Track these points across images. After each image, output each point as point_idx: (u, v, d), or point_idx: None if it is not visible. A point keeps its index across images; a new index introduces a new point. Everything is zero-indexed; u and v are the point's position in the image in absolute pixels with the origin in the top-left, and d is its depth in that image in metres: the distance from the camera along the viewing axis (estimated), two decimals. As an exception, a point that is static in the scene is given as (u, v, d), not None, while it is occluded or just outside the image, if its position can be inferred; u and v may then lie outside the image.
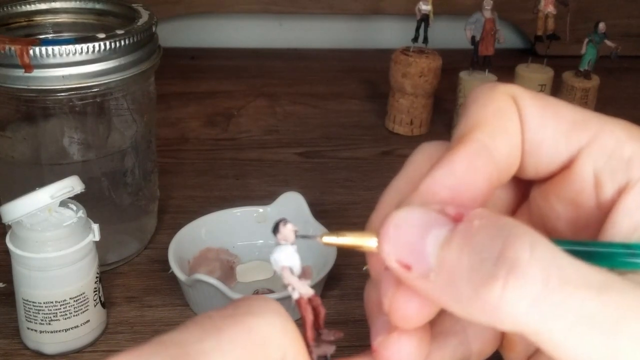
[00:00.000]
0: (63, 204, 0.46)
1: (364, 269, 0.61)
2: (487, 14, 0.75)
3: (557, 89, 0.79)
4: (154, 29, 0.54)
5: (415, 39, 0.77)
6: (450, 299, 0.19)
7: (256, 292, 0.53)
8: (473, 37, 0.76)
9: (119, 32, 0.50)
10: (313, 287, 0.23)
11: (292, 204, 0.57)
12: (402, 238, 0.20)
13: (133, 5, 0.56)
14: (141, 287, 0.55)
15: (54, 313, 0.46)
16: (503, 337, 0.26)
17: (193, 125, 0.81)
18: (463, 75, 0.78)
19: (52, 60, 0.47)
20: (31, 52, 0.46)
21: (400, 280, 0.21)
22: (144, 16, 0.53)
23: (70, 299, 0.46)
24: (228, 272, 0.55)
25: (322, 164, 0.74)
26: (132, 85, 0.52)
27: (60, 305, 0.46)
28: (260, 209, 0.58)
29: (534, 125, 0.23)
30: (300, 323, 0.22)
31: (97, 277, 0.48)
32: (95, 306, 0.48)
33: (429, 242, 0.20)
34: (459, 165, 0.22)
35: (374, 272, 0.23)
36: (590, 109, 0.24)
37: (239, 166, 0.73)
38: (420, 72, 0.76)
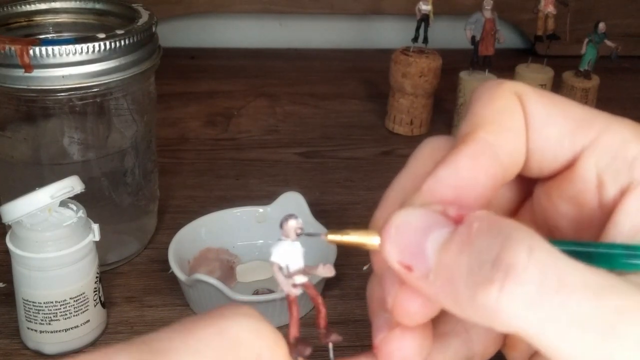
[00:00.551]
0: (63, 204, 0.46)
1: (364, 268, 0.62)
2: (487, 14, 0.75)
3: (557, 89, 0.79)
4: (154, 29, 0.54)
5: (415, 39, 0.77)
6: (449, 300, 0.19)
7: (256, 292, 0.53)
8: (473, 37, 0.76)
9: (119, 32, 0.50)
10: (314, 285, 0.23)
11: (292, 204, 0.57)
12: (403, 239, 0.20)
13: (133, 5, 0.56)
14: (141, 287, 0.55)
15: (54, 313, 0.46)
16: (505, 337, 0.26)
17: (193, 125, 0.81)
18: (463, 75, 0.78)
19: (52, 60, 0.47)
20: (31, 52, 0.46)
21: (401, 278, 0.21)
22: (144, 16, 0.53)
23: (70, 299, 0.46)
24: (228, 272, 0.55)
25: (322, 164, 0.74)
26: (132, 85, 0.52)
27: (60, 305, 0.46)
28: (260, 209, 0.58)
29: (539, 124, 0.23)
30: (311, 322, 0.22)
31: (97, 277, 0.48)
32: (95, 306, 0.48)
33: (429, 243, 0.20)
34: (463, 164, 0.22)
35: (378, 268, 0.23)
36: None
37: (239, 166, 0.73)
38: (420, 72, 0.76)
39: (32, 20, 0.57)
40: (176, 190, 0.67)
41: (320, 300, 0.23)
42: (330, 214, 0.63)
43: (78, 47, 0.47)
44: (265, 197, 0.60)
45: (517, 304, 0.18)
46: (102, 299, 0.49)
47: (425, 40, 0.77)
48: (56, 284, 0.46)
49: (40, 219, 0.45)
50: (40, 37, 0.56)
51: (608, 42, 0.76)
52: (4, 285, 0.53)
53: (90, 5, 0.57)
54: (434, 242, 0.20)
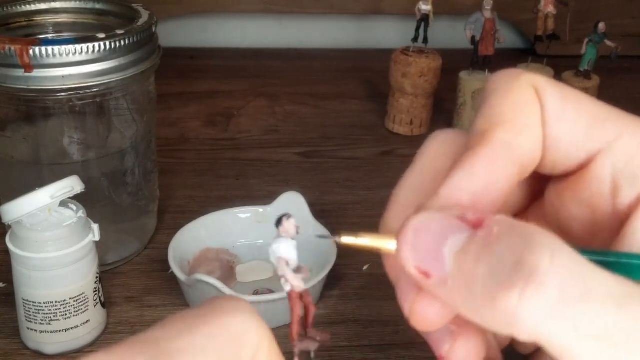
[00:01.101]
0: (63, 204, 0.46)
1: (364, 268, 0.62)
2: (487, 14, 0.75)
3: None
4: (154, 29, 0.54)
5: (415, 39, 0.77)
6: (467, 305, 0.19)
7: (256, 292, 0.53)
8: (473, 37, 0.76)
9: (119, 32, 0.50)
10: (313, 287, 0.23)
11: (292, 204, 0.57)
12: (421, 245, 0.20)
13: (133, 5, 0.56)
14: (141, 287, 0.55)
15: (54, 313, 0.46)
16: None
17: (193, 125, 0.81)
18: (463, 75, 0.78)
19: (52, 60, 0.47)
20: (31, 52, 0.46)
21: (418, 285, 0.20)
22: (144, 16, 0.53)
23: (70, 299, 0.46)
24: (228, 272, 0.55)
25: (322, 164, 0.74)
26: (132, 85, 0.52)
27: (60, 305, 0.46)
28: (260, 209, 0.58)
29: (555, 120, 0.22)
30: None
31: (97, 277, 0.48)
32: (95, 306, 0.48)
33: (447, 249, 0.19)
34: (480, 168, 0.21)
35: (392, 273, 0.23)
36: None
37: (239, 166, 0.73)
38: (420, 72, 0.76)
39: (32, 20, 0.57)
40: (176, 190, 0.67)
41: (311, 299, 0.23)
42: (330, 214, 0.63)
43: (78, 47, 0.47)
44: (265, 197, 0.60)
45: (538, 311, 0.17)
46: (102, 299, 0.49)
47: (425, 40, 0.77)
48: (56, 284, 0.46)
49: (40, 219, 0.45)
50: (40, 37, 0.56)
51: (608, 42, 0.76)
52: (4, 285, 0.53)
53: (90, 5, 0.57)
54: (452, 248, 0.19)
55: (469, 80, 0.77)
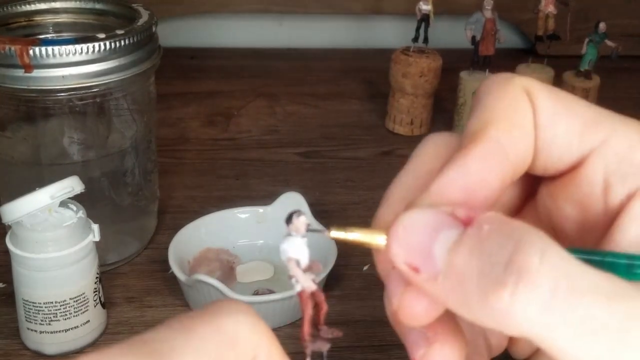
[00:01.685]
0: (63, 204, 0.46)
1: (364, 269, 0.62)
2: (488, 13, 0.75)
3: (563, 90, 0.79)
4: (154, 29, 0.54)
5: (415, 39, 0.77)
6: (458, 302, 0.19)
7: (256, 292, 0.53)
8: (473, 37, 0.76)
9: (119, 32, 0.50)
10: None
11: (292, 204, 0.57)
12: (411, 240, 0.20)
13: (133, 5, 0.56)
14: (141, 287, 0.55)
15: (54, 313, 0.46)
16: None
17: (193, 125, 0.81)
18: (463, 75, 0.78)
19: (52, 60, 0.47)
20: (31, 52, 0.46)
21: (407, 279, 0.21)
22: (144, 16, 0.53)
23: (70, 299, 0.46)
24: (228, 273, 0.55)
25: (322, 164, 0.74)
26: (132, 85, 0.52)
27: (60, 306, 0.46)
28: (260, 209, 0.58)
29: (547, 122, 0.23)
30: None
31: (97, 277, 0.48)
32: (95, 306, 0.48)
33: (437, 245, 0.20)
34: (473, 166, 0.21)
35: (381, 269, 0.23)
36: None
37: (239, 166, 0.73)
38: (421, 72, 0.76)
39: (32, 20, 0.57)
40: (176, 190, 0.67)
41: (323, 297, 0.22)
42: (331, 214, 0.63)
43: (78, 47, 0.47)
44: (265, 197, 0.60)
45: (530, 308, 0.18)
46: (102, 299, 0.49)
47: (426, 40, 0.77)
48: (56, 284, 0.46)
49: (40, 219, 0.45)
50: (40, 37, 0.56)
51: (608, 42, 0.75)
52: (4, 285, 0.53)
53: (90, 5, 0.57)
54: (442, 244, 0.19)
55: (469, 80, 0.77)
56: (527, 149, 0.23)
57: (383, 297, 0.25)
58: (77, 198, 0.46)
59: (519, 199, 0.26)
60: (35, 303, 0.46)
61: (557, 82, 0.79)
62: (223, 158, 0.74)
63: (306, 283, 0.22)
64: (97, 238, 0.47)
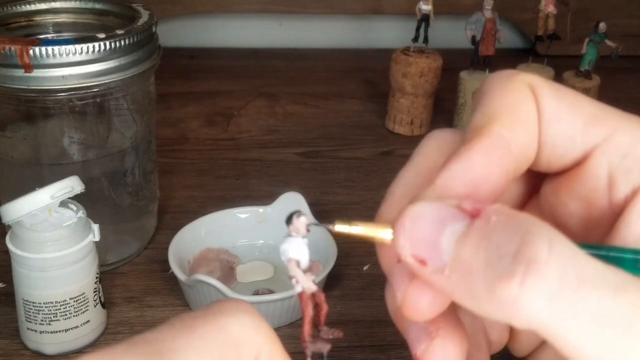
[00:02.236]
0: (63, 204, 0.46)
1: (365, 269, 0.62)
2: (488, 13, 0.75)
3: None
4: (154, 29, 0.54)
5: (415, 39, 0.77)
6: (465, 294, 0.19)
7: (256, 293, 0.53)
8: (473, 37, 0.76)
9: (119, 32, 0.50)
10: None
11: (292, 204, 0.57)
12: (418, 232, 0.20)
13: (133, 5, 0.56)
14: (141, 287, 0.55)
15: (54, 313, 0.46)
16: (510, 328, 0.26)
17: (193, 125, 0.81)
18: (463, 75, 0.78)
19: (52, 60, 0.47)
20: (31, 52, 0.46)
21: (412, 273, 0.20)
22: (144, 16, 0.53)
23: (70, 299, 0.46)
24: (228, 273, 0.55)
25: (322, 164, 0.74)
26: (132, 85, 0.52)
27: (60, 306, 0.46)
28: (260, 209, 0.58)
29: (551, 118, 0.23)
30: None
31: (97, 277, 0.48)
32: (95, 306, 0.48)
33: (444, 237, 0.19)
34: (476, 159, 0.21)
35: (385, 264, 0.23)
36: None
37: (239, 166, 0.73)
38: (421, 72, 0.76)
39: (32, 20, 0.57)
40: (176, 190, 0.67)
41: (323, 297, 0.22)
42: (331, 214, 0.63)
43: (78, 47, 0.47)
44: (265, 197, 0.60)
45: (538, 299, 0.18)
46: (102, 299, 0.49)
47: (426, 40, 0.77)
48: (56, 284, 0.46)
49: (40, 219, 0.45)
50: (40, 37, 0.56)
51: (608, 42, 0.75)
52: (4, 285, 0.53)
53: (90, 5, 0.57)
54: (449, 236, 0.19)
55: (469, 80, 0.77)
56: (530, 144, 0.23)
57: (385, 294, 0.24)
58: (77, 198, 0.46)
59: (522, 195, 0.26)
60: (35, 303, 0.46)
61: (557, 82, 0.78)
62: (223, 158, 0.74)
63: (306, 284, 0.22)
64: (97, 238, 0.47)
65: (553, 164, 0.23)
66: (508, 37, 0.84)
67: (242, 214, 0.58)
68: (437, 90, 0.79)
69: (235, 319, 0.20)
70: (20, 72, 0.47)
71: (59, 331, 0.47)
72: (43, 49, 0.47)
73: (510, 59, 0.82)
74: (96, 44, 0.48)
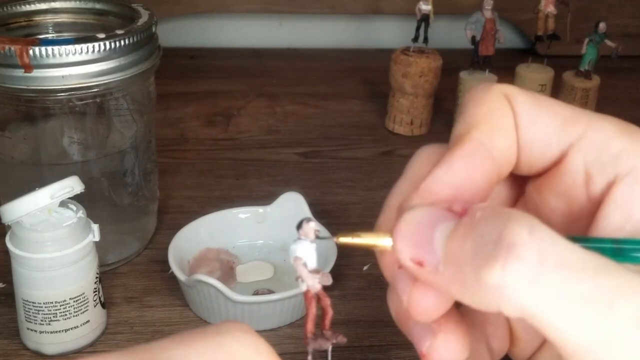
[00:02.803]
0: (63, 204, 0.46)
1: (364, 269, 0.62)
2: (488, 13, 0.75)
3: (557, 89, 0.79)
4: (154, 29, 0.54)
5: (415, 39, 0.77)
6: (459, 287, 0.20)
7: (256, 292, 0.53)
8: (473, 37, 0.76)
9: (119, 32, 0.50)
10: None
11: (292, 204, 0.57)
12: (413, 235, 0.21)
13: (133, 5, 0.56)
14: (141, 287, 0.55)
15: (53, 313, 0.46)
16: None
17: (193, 125, 0.81)
18: (463, 75, 0.78)
19: (52, 60, 0.47)
20: (31, 52, 0.46)
21: (414, 277, 0.21)
22: (144, 16, 0.53)
23: (70, 299, 0.46)
24: (228, 273, 0.55)
25: (322, 164, 0.74)
26: (132, 85, 0.52)
27: (60, 306, 0.46)
28: (260, 209, 0.58)
29: (527, 123, 0.24)
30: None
31: (97, 277, 0.48)
32: (95, 306, 0.48)
33: (436, 236, 0.21)
34: (458, 164, 0.22)
35: (388, 272, 0.24)
36: (590, 109, 0.25)
37: (239, 166, 0.73)
38: (421, 72, 0.76)
39: (32, 20, 0.57)
40: (176, 190, 0.67)
41: (329, 302, 0.23)
42: (330, 214, 0.63)
43: (78, 47, 0.47)
44: (265, 197, 0.60)
45: (521, 281, 0.18)
46: (102, 299, 0.49)
47: (426, 40, 0.77)
48: (56, 284, 0.46)
49: (40, 219, 0.45)
50: (40, 37, 0.56)
51: (608, 42, 0.75)
52: (4, 285, 0.53)
53: (90, 5, 0.57)
54: (441, 235, 0.20)
55: (469, 80, 0.77)
56: (509, 148, 0.24)
57: (387, 299, 0.25)
58: (77, 198, 0.46)
59: (509, 199, 0.28)
60: (35, 303, 0.46)
61: (557, 82, 0.79)
62: (223, 158, 0.74)
63: (310, 282, 0.22)
64: (97, 238, 0.47)
65: (533, 166, 0.25)
66: (508, 37, 0.84)
67: (242, 214, 0.58)
68: (437, 90, 0.79)
69: (235, 338, 0.21)
70: (20, 72, 0.47)
71: (59, 331, 0.47)
72: (43, 49, 0.47)
73: (510, 59, 0.82)
74: (96, 44, 0.48)
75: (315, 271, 0.23)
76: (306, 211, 0.56)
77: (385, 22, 1.07)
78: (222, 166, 0.73)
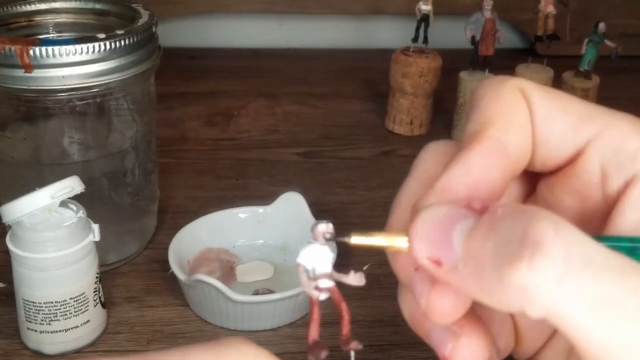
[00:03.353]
0: (63, 204, 0.46)
1: (364, 268, 0.62)
2: (487, 14, 0.75)
3: (557, 89, 0.79)
4: (154, 29, 0.54)
5: (415, 39, 0.77)
6: (479, 287, 0.19)
7: (256, 292, 0.53)
8: (473, 37, 0.76)
9: (119, 32, 0.50)
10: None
11: (292, 204, 0.57)
12: (431, 234, 0.20)
13: (133, 5, 0.56)
14: (141, 287, 0.55)
15: (54, 313, 0.46)
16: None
17: (193, 125, 0.81)
18: (463, 75, 0.78)
19: (52, 61, 0.47)
20: (31, 52, 0.46)
21: (432, 278, 0.21)
22: (144, 16, 0.53)
23: (70, 299, 0.46)
24: (228, 272, 0.55)
25: (322, 164, 0.74)
26: (132, 85, 0.52)
27: (60, 306, 0.46)
28: (260, 209, 0.58)
29: (543, 119, 0.23)
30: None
31: (97, 277, 0.48)
32: (95, 306, 0.48)
33: (455, 234, 0.20)
34: (474, 162, 0.22)
35: (403, 275, 0.23)
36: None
37: (239, 166, 0.73)
38: (420, 72, 0.76)
39: (32, 20, 0.57)
40: (176, 190, 0.67)
41: (344, 306, 0.23)
42: (331, 214, 0.63)
43: (78, 47, 0.47)
44: (265, 197, 0.60)
45: (547, 281, 0.18)
46: (102, 299, 0.49)
47: (425, 40, 0.77)
48: (56, 284, 0.46)
49: (40, 219, 0.45)
50: (40, 37, 0.56)
51: (608, 42, 0.75)
52: (4, 285, 0.53)
53: (90, 5, 0.57)
54: (460, 232, 0.20)
55: (469, 80, 0.77)
56: (525, 145, 0.23)
57: (399, 302, 0.25)
58: (77, 198, 0.46)
59: (520, 197, 0.27)
60: (35, 303, 0.46)
61: (557, 82, 0.79)
62: (223, 158, 0.74)
63: (308, 289, 0.22)
64: (97, 238, 0.47)
65: (548, 163, 0.24)
66: (508, 37, 0.84)
67: (242, 214, 0.58)
68: (437, 90, 0.79)
69: (235, 349, 0.21)
70: (20, 72, 0.47)
71: (59, 331, 0.47)
72: (43, 49, 0.47)
73: (509, 59, 0.82)
74: (96, 44, 0.48)
75: (328, 275, 0.22)
76: (306, 211, 0.56)
77: (385, 22, 1.07)
78: (222, 166, 0.73)
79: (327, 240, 0.22)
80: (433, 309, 0.21)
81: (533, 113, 0.23)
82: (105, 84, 0.49)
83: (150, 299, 0.53)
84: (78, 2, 0.57)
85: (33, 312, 0.46)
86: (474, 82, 0.76)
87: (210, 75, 0.95)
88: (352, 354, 0.23)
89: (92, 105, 0.51)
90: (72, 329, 0.47)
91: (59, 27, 0.57)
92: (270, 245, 0.57)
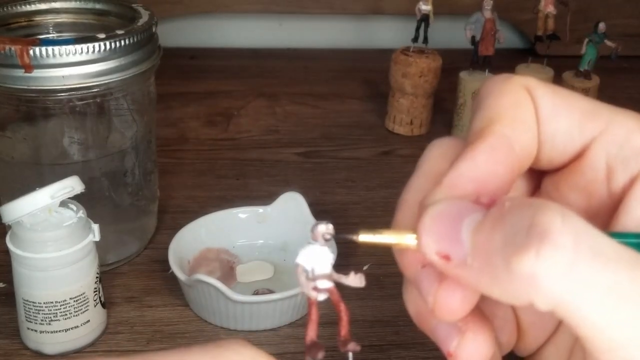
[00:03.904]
0: (63, 204, 0.46)
1: (364, 268, 0.62)
2: (487, 14, 0.75)
3: (561, 87, 0.79)
4: (154, 29, 0.54)
5: (415, 39, 0.77)
6: (488, 280, 0.19)
7: (256, 292, 0.53)
8: (473, 37, 0.76)
9: (119, 32, 0.50)
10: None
11: (292, 204, 0.57)
12: (439, 229, 0.20)
13: (133, 5, 0.56)
14: (141, 287, 0.55)
15: (54, 313, 0.46)
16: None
17: (193, 125, 0.81)
18: (463, 75, 0.78)
19: (52, 61, 0.47)
20: (31, 52, 0.46)
21: (439, 275, 0.21)
22: (144, 16, 0.53)
23: (70, 299, 0.46)
24: (228, 272, 0.55)
25: (322, 164, 0.74)
26: (132, 85, 0.52)
27: (60, 306, 0.46)
28: (260, 209, 0.58)
29: (548, 116, 0.24)
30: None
31: (97, 277, 0.48)
32: (95, 306, 0.48)
33: (463, 228, 0.20)
34: (481, 157, 0.22)
35: (410, 272, 0.23)
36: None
37: (239, 166, 0.73)
38: (420, 72, 0.76)
39: (32, 20, 0.57)
40: (176, 190, 0.67)
41: (343, 307, 0.23)
42: (331, 214, 0.63)
43: (78, 47, 0.47)
44: (265, 197, 0.60)
45: (555, 270, 0.18)
46: (102, 299, 0.49)
47: (425, 40, 0.77)
48: (56, 284, 0.46)
49: (41, 219, 0.45)
50: (40, 37, 0.56)
51: (608, 42, 0.75)
52: (4, 285, 0.53)
53: (90, 5, 0.57)
54: (468, 226, 0.20)
55: (469, 80, 0.77)
56: (531, 142, 0.23)
57: (405, 299, 0.25)
58: (77, 198, 0.46)
59: (526, 194, 0.27)
60: (35, 303, 0.46)
61: (557, 82, 0.79)
62: (223, 158, 0.74)
63: (306, 290, 0.22)
64: (97, 238, 0.47)
65: (553, 160, 0.24)
66: (507, 37, 0.84)
67: (242, 214, 0.58)
68: (437, 90, 0.79)
69: (233, 351, 0.21)
70: (20, 72, 0.47)
71: (59, 331, 0.47)
72: (43, 49, 0.47)
73: (509, 59, 0.82)
74: (96, 44, 0.48)
75: (328, 276, 0.22)
76: (306, 211, 0.56)
77: (385, 22, 1.07)
78: (222, 166, 0.73)
79: (326, 240, 0.22)
80: (440, 306, 0.21)
81: (538, 110, 0.24)
82: (105, 84, 0.49)
83: (150, 299, 0.53)
84: (78, 2, 0.57)
85: (33, 312, 0.46)
86: (474, 82, 0.76)
87: (210, 75, 0.95)
88: (350, 355, 0.23)
89: (92, 105, 0.51)
90: (72, 329, 0.47)
91: (59, 27, 0.57)
92: (270, 245, 0.57)
